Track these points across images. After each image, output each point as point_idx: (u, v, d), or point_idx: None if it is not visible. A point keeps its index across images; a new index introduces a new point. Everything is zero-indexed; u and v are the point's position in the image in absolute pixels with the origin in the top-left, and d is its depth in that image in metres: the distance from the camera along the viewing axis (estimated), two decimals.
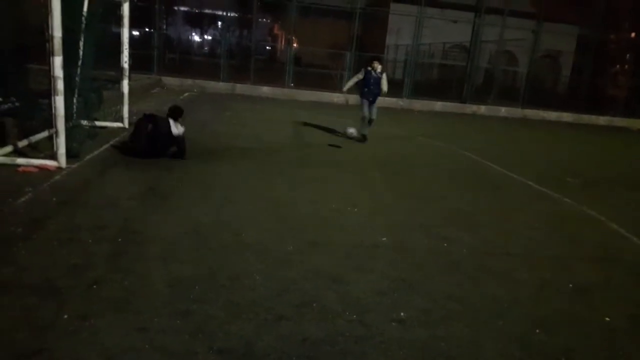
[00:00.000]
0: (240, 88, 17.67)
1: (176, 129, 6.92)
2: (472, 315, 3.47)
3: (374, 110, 10.02)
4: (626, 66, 23.08)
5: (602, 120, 20.19)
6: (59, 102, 5.68)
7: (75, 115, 7.22)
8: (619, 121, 20.25)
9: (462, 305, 3.59)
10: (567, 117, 19.80)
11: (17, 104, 6.55)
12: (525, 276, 4.24)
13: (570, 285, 4.14)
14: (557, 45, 23.06)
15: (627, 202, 7.30)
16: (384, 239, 4.75)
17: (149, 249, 3.97)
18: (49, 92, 5.72)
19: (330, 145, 9.12)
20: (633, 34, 24.01)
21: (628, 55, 23.31)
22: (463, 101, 19.03)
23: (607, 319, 3.63)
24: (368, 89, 9.90)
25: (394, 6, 24.25)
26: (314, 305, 3.36)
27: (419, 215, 5.65)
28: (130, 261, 3.71)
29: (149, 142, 6.75)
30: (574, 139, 15.20)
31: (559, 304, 3.80)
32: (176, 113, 7.02)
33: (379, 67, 9.91)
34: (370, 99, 9.97)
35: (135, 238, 4.14)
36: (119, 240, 4.06)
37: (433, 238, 4.91)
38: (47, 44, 5.57)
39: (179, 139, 6.96)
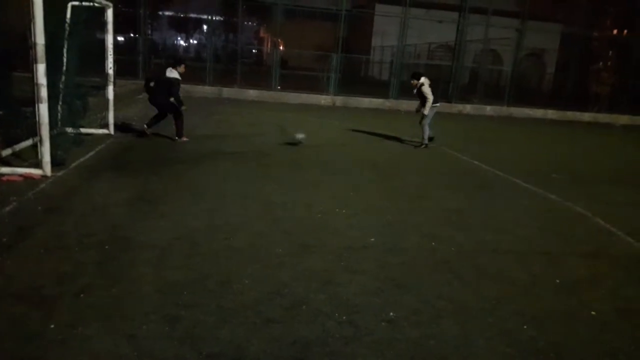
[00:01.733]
0: (227, 92, 17.63)
1: (170, 73, 8.48)
2: (462, 313, 3.48)
3: (423, 122, 10.16)
4: (609, 63, 23.35)
5: (587, 116, 20.42)
6: (43, 109, 5.63)
7: (60, 122, 7.16)
8: (603, 117, 20.50)
9: (451, 303, 3.61)
10: (552, 114, 20.00)
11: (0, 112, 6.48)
12: (514, 273, 4.27)
13: (558, 281, 4.18)
14: (541, 44, 23.28)
15: (612, 197, 7.38)
16: (374, 239, 4.76)
17: (138, 255, 3.94)
18: (33, 100, 5.67)
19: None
20: (615, 31, 24.31)
21: (611, 52, 23.59)
22: (449, 100, 19.12)
23: (594, 313, 3.67)
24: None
25: (379, 7, 24.35)
26: (304, 307, 3.36)
27: (408, 215, 5.67)
28: (119, 268, 3.69)
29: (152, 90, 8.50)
30: (559, 136, 15.35)
31: (547, 300, 3.84)
32: (174, 60, 8.86)
33: (416, 83, 10.06)
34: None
35: (124, 244, 4.11)
36: (107, 247, 4.04)
37: (422, 237, 4.94)
38: (31, 51, 5.52)
39: (173, 82, 8.44)
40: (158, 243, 4.20)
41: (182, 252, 4.09)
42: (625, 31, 24.15)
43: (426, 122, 10.07)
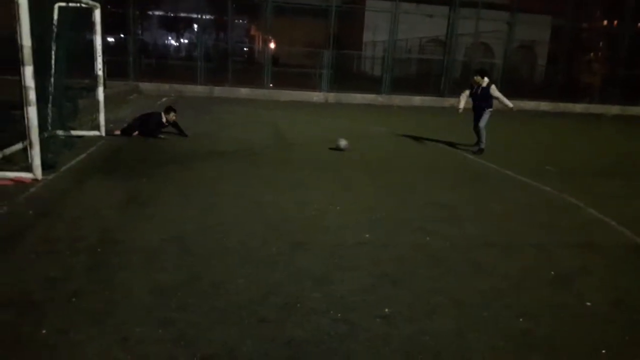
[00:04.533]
0: (219, 91, 17.57)
1: (165, 117, 9.07)
2: (456, 308, 3.48)
3: (479, 125, 9.30)
4: (600, 54, 23.43)
5: (579, 107, 20.50)
6: (32, 112, 5.57)
7: (50, 125, 7.11)
8: (595, 108, 20.58)
9: (445, 298, 3.60)
10: (544, 106, 20.06)
11: None
12: (508, 266, 4.27)
13: (552, 273, 4.18)
14: (532, 36, 23.32)
15: (605, 188, 7.40)
16: (367, 235, 4.75)
17: (129, 258, 3.91)
18: (22, 103, 5.61)
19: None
20: (605, 22, 24.38)
21: (601, 42, 23.67)
22: (441, 95, 19.16)
23: (589, 304, 3.67)
24: (474, 104, 9.39)
25: (369, 3, 24.33)
26: (298, 306, 3.34)
27: (400, 211, 5.67)
28: (111, 271, 3.66)
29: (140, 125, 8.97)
30: (551, 128, 15.39)
31: (541, 292, 3.84)
32: (167, 109, 9.23)
33: (482, 81, 9.18)
34: (476, 114, 9.39)
35: (116, 248, 4.08)
36: (99, 250, 4.00)
37: (415, 233, 4.93)
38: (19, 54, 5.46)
39: (173, 124, 9.19)
40: (150, 245, 4.17)
41: (174, 253, 4.06)
42: (615, 22, 24.22)
43: (483, 124, 9.21)
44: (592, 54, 24.19)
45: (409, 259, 4.29)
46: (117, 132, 8.94)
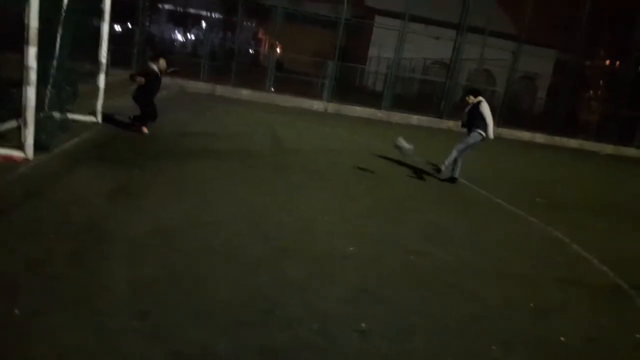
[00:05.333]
0: (221, 90, 17.57)
1: (158, 68, 8.45)
2: (434, 330, 3.49)
3: (459, 148, 8.37)
4: (599, 92, 23.71)
5: (574, 143, 20.64)
6: (30, 92, 5.56)
7: (47, 106, 7.08)
8: (589, 145, 20.73)
9: (425, 319, 3.61)
10: (540, 138, 20.20)
11: None
12: (490, 293, 4.29)
13: (532, 305, 4.20)
14: (535, 68, 23.56)
15: (592, 225, 7.46)
16: (354, 249, 4.76)
17: (113, 247, 3.90)
18: (21, 82, 5.59)
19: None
20: (608, 62, 24.71)
21: (602, 81, 23.96)
22: (439, 116, 19.25)
23: (563, 339, 3.70)
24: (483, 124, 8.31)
25: (378, 19, 24.49)
26: (277, 312, 3.34)
27: (391, 228, 5.68)
28: (93, 259, 3.64)
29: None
30: (545, 160, 15.49)
31: (519, 323, 3.86)
32: (153, 53, 9.11)
33: (472, 100, 8.46)
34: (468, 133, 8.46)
35: (101, 236, 4.07)
36: (83, 237, 3.99)
37: (402, 251, 4.94)
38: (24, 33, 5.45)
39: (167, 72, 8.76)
40: (135, 237, 4.16)
41: (159, 247, 4.05)
42: (618, 62, 24.54)
43: (458, 147, 8.33)
44: (592, 91, 24.47)
45: (393, 276, 4.30)
46: (140, 80, 8.27)
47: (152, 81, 8.37)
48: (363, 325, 3.36)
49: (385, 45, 22.72)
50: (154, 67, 8.44)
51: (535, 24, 21.47)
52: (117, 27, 20.87)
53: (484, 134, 8.22)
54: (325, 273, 4.12)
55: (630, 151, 20.83)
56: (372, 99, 19.98)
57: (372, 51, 26.93)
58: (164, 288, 3.39)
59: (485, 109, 8.26)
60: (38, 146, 5.86)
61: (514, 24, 23.89)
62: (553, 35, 24.60)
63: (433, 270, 4.58)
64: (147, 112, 8.40)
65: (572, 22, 20.99)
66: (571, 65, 21.61)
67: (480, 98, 8.45)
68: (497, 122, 19.78)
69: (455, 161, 8.53)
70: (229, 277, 3.73)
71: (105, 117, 8.76)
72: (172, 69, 8.89)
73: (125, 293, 3.25)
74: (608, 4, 20.74)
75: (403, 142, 8.23)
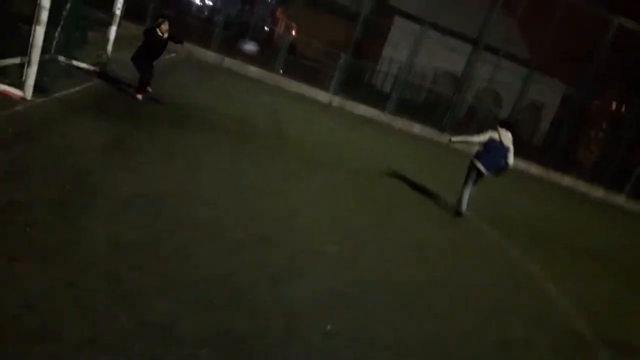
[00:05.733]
0: (229, 62, 17.41)
1: (160, 32, 7.76)
2: (397, 345, 3.51)
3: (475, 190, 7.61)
4: (600, 134, 23.85)
5: (566, 180, 20.73)
6: (39, 32, 5.47)
7: (54, 49, 6.98)
8: (581, 185, 20.83)
9: (389, 332, 3.63)
10: (534, 169, 20.26)
11: None
12: (459, 317, 4.32)
13: (495, 338, 4.22)
14: (543, 97, 23.61)
15: (569, 265, 7.53)
16: (334, 247, 4.76)
17: (98, 204, 3.87)
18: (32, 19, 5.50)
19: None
20: (614, 105, 24.85)
21: (604, 124, 24.11)
22: (441, 130, 19.25)
23: None
24: (484, 156, 7.50)
25: (397, 20, 24.36)
26: (247, 298, 3.34)
27: (373, 233, 5.69)
28: (75, 212, 3.61)
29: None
30: (535, 195, 15.60)
31: (483, 351, 3.89)
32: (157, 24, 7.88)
33: (506, 134, 7.46)
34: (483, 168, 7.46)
35: (87, 190, 4.03)
36: (69, 188, 3.94)
37: (380, 260, 4.95)
38: None
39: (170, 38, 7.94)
40: (122, 196, 4.13)
41: (143, 211, 4.02)
42: (623, 107, 24.70)
43: (466, 188, 7.50)
44: (593, 132, 24.61)
45: (368, 283, 4.30)
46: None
47: (154, 44, 7.77)
48: (329, 327, 3.37)
49: (399, 48, 22.63)
50: (158, 30, 7.80)
51: (550, 54, 21.52)
52: None
53: (482, 168, 7.46)
54: (301, 267, 4.12)
55: (618, 199, 20.87)
56: (377, 99, 19.91)
57: (387, 51, 26.81)
58: (142, 254, 3.38)
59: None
60: (38, 88, 5.78)
61: (530, 50, 23.89)
62: (566, 68, 24.65)
63: (408, 285, 4.58)
64: (143, 78, 7.70)
65: (586, 58, 21.05)
66: (578, 101, 21.70)
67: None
68: None
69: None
70: (207, 255, 3.72)
71: (111, 69, 8.66)
72: (174, 38, 8.05)
73: (102, 253, 3.22)
74: (624, 47, 20.77)
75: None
